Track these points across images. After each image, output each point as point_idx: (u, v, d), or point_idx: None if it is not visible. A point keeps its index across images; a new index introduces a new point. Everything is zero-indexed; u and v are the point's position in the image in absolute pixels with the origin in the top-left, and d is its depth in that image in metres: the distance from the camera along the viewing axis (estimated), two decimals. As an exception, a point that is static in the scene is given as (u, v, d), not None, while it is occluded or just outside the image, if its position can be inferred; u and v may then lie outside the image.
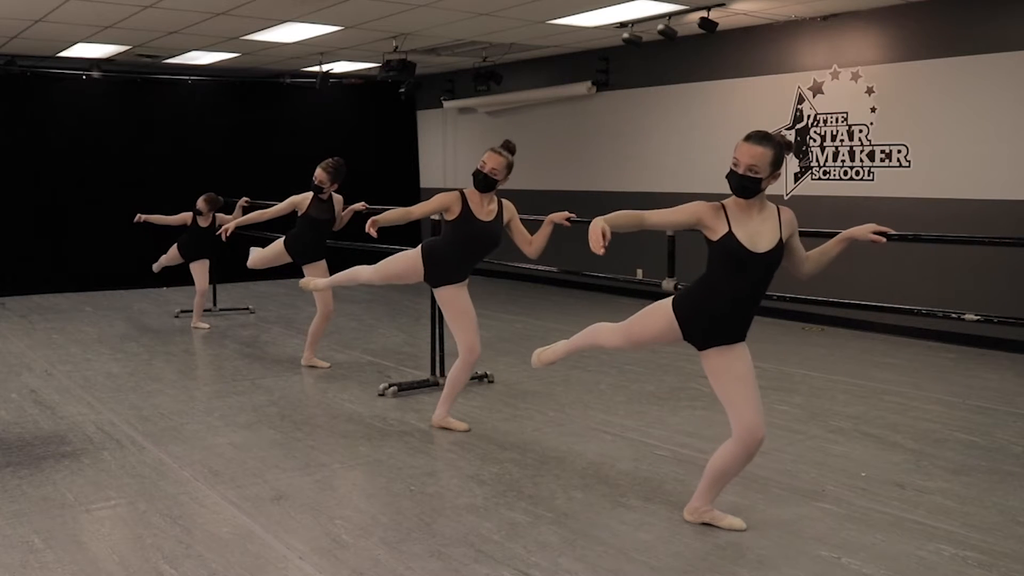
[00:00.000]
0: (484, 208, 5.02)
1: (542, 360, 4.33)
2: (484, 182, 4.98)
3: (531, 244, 5.11)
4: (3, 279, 11.00)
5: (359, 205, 7.04)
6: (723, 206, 3.56)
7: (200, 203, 8.79)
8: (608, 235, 3.34)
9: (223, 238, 7.03)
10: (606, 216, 3.45)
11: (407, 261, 5.22)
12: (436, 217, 6.01)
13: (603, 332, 4.00)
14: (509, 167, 4.99)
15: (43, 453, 4.80)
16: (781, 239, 3.56)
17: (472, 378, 6.09)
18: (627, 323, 3.85)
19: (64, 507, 4.04)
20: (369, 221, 4.96)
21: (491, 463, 4.67)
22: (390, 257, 5.31)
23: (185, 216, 8.83)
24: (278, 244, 6.84)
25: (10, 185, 11.20)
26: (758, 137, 3.51)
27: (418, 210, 5.15)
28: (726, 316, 3.60)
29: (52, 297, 10.94)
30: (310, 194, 6.72)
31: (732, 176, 3.52)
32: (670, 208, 3.61)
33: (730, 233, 3.50)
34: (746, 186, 3.50)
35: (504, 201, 5.14)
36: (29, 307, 10.15)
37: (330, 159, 6.71)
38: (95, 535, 3.75)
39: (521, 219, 5.21)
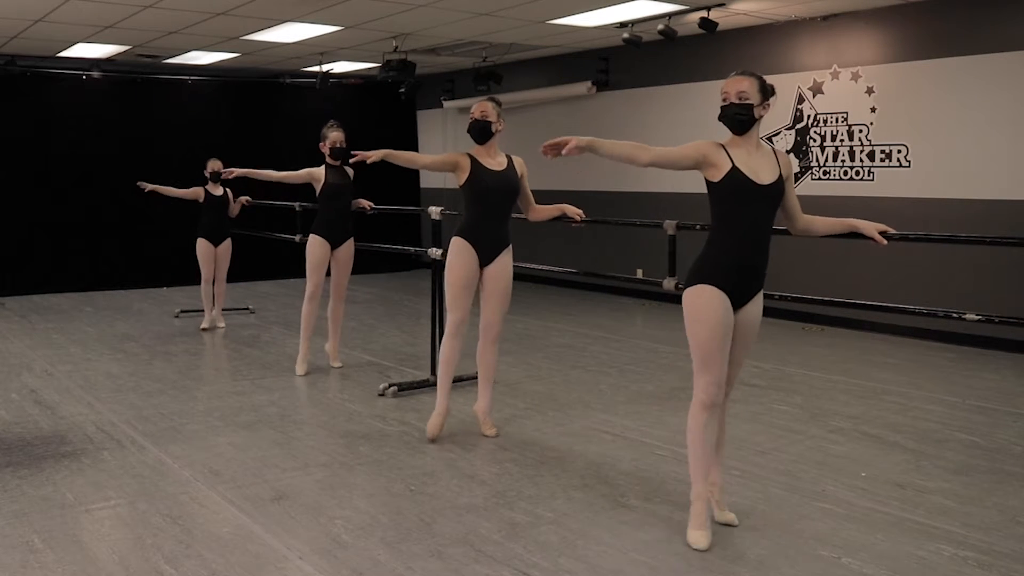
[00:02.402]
0: (493, 160, 4.97)
1: None
2: (478, 128, 4.94)
3: (533, 209, 5.20)
4: (3, 279, 11.01)
5: (365, 203, 7.05)
6: (723, 145, 3.61)
7: (211, 164, 8.62)
8: (571, 148, 3.42)
9: (228, 177, 7.46)
10: (598, 140, 3.50)
11: (456, 260, 4.92)
12: (437, 217, 6.01)
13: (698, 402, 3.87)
14: (498, 111, 4.98)
15: (43, 453, 4.80)
16: (781, 175, 3.66)
17: (472, 378, 6.08)
18: (694, 364, 3.78)
19: (64, 507, 4.04)
20: (377, 153, 4.82)
21: (491, 463, 4.67)
22: (446, 284, 4.98)
23: (197, 191, 8.67)
24: (313, 246, 6.72)
25: (10, 185, 11.21)
26: (740, 72, 3.62)
27: (427, 158, 5.09)
28: (746, 265, 3.61)
29: (52, 297, 10.94)
30: (322, 167, 6.71)
31: (725, 110, 3.58)
32: (674, 147, 3.61)
33: (734, 167, 3.56)
34: (739, 114, 3.55)
35: (514, 157, 5.08)
36: (29, 307, 10.15)
37: (333, 121, 6.81)
38: (95, 535, 3.75)
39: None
